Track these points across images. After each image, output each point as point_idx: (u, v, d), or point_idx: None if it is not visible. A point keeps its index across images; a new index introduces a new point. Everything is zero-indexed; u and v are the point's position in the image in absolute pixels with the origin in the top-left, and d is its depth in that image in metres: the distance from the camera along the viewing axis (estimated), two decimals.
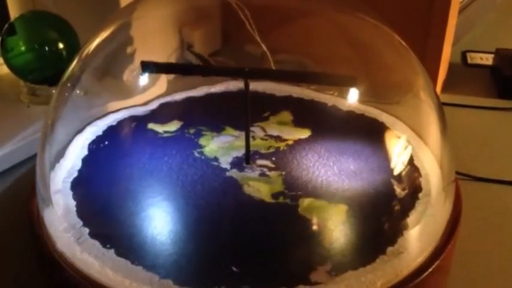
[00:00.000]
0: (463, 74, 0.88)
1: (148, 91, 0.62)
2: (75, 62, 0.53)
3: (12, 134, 0.65)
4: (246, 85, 0.47)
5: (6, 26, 0.70)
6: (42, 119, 0.66)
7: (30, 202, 0.47)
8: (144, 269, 0.40)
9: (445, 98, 0.81)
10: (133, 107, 0.60)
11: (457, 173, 0.61)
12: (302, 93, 0.63)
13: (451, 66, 0.86)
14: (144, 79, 0.55)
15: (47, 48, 0.71)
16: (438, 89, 0.81)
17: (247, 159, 0.50)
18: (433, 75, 0.79)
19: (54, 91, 0.70)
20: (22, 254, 0.51)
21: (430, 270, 0.41)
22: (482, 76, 0.87)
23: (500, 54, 0.87)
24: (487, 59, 0.91)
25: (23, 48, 0.70)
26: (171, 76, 0.64)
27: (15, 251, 0.52)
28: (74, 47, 0.72)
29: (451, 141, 0.64)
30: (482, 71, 0.88)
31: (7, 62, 0.70)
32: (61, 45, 0.71)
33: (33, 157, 0.63)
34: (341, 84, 0.44)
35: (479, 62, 0.91)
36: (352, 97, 0.43)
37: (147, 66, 0.51)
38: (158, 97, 0.63)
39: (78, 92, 0.55)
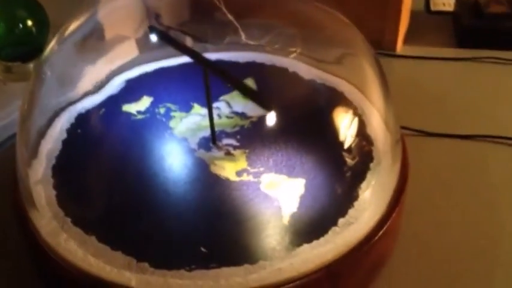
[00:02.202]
0: (426, 22, 0.91)
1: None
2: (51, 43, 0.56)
3: None
4: (205, 74, 0.50)
5: None
6: (20, 95, 0.70)
7: (14, 192, 0.51)
8: (123, 254, 0.45)
9: (406, 50, 0.84)
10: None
11: (410, 129, 0.66)
12: (265, 58, 0.67)
13: (414, 14, 0.89)
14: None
15: (17, 26, 0.73)
16: (400, 40, 0.84)
17: (213, 139, 0.54)
18: (395, 25, 0.82)
19: (30, 67, 0.74)
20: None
21: (376, 238, 0.46)
22: (444, 24, 0.90)
23: (460, 1, 0.89)
24: (450, 5, 0.93)
25: None
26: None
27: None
28: (43, 24, 0.74)
29: (409, 96, 0.68)
30: (445, 18, 0.91)
31: None
32: (30, 23, 0.73)
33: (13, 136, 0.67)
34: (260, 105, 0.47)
35: (441, 8, 0.93)
36: (270, 121, 0.46)
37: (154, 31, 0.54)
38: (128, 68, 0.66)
39: (51, 73, 0.58)
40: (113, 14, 0.65)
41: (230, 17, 0.65)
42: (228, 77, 0.47)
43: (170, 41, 0.53)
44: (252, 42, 0.68)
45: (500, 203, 0.58)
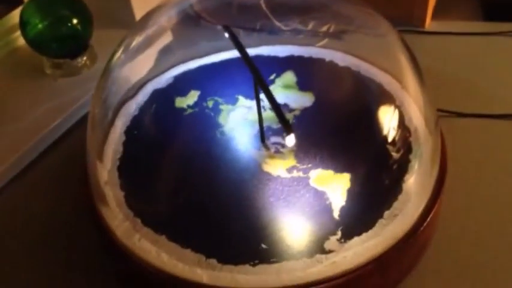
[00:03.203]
0: None
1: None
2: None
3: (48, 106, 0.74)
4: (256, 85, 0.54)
5: (22, 7, 0.75)
6: (71, 90, 0.74)
7: (84, 189, 0.56)
8: (193, 251, 0.50)
9: (435, 26, 0.86)
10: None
11: (442, 110, 0.69)
12: (302, 51, 0.70)
13: None
14: None
15: (63, 25, 0.76)
16: (429, 15, 0.86)
17: (262, 138, 0.58)
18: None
19: (78, 62, 0.78)
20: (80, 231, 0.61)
21: (421, 228, 0.51)
22: None
23: None
24: None
25: (40, 26, 0.76)
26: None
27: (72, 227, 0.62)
28: (87, 21, 0.77)
29: (439, 76, 0.70)
30: None
31: (27, 41, 0.77)
32: (75, 21, 0.76)
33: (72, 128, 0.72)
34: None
35: None
36: (289, 142, 0.52)
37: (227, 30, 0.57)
38: (171, 67, 0.70)
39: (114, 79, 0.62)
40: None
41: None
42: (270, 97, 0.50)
43: (236, 41, 0.56)
44: (286, 28, 0.72)
45: None
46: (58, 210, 0.63)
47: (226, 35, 0.56)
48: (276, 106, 0.50)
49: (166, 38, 0.69)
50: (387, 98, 0.61)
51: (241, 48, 0.54)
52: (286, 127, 0.50)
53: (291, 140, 0.52)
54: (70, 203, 0.63)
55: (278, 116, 0.50)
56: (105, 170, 0.58)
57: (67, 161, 0.69)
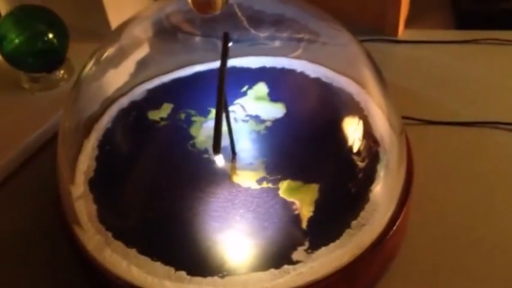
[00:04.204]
0: (425, 2, 0.93)
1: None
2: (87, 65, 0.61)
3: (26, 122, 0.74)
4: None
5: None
6: (48, 104, 0.75)
7: (57, 202, 0.57)
8: (162, 264, 0.51)
9: (407, 34, 0.87)
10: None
11: (412, 118, 0.70)
12: (274, 62, 0.71)
13: None
14: None
15: (39, 40, 0.77)
16: (401, 24, 0.88)
17: (232, 149, 0.59)
18: (396, 9, 0.85)
19: (55, 75, 0.79)
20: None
21: (387, 237, 0.52)
22: (443, 2, 0.93)
23: None
24: None
25: (16, 41, 0.76)
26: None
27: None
28: (63, 35, 0.78)
29: (410, 83, 0.71)
30: None
31: (3, 55, 0.77)
32: (51, 35, 0.77)
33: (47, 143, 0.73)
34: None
35: None
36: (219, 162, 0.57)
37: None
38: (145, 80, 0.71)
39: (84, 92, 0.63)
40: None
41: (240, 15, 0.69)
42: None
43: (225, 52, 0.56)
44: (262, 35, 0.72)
45: (504, 190, 0.62)
46: (31, 227, 0.64)
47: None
48: (217, 123, 0.50)
49: (141, 50, 0.69)
50: (355, 108, 0.62)
51: (224, 60, 0.55)
52: (214, 147, 0.50)
53: (220, 160, 0.54)
54: (43, 219, 0.64)
55: (215, 133, 0.50)
56: (78, 185, 0.58)
57: (43, 176, 0.70)
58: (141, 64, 0.69)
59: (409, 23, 0.89)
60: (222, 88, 0.52)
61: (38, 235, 0.63)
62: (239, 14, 0.67)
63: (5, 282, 0.59)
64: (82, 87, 0.61)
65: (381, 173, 0.56)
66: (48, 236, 0.62)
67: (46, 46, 0.77)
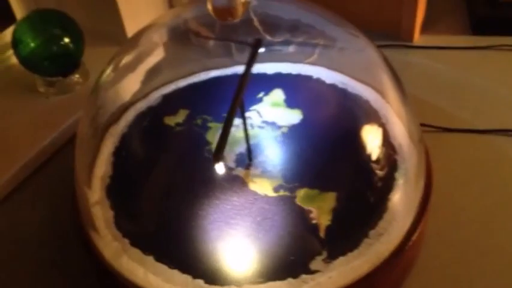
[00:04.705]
0: (441, 7, 0.93)
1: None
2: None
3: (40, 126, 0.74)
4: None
5: (15, 26, 0.76)
6: (63, 108, 0.75)
7: (73, 207, 0.57)
8: (180, 272, 0.50)
9: (423, 40, 0.87)
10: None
11: (428, 125, 0.70)
12: (290, 68, 0.71)
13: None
14: None
15: (55, 44, 0.77)
16: (417, 29, 0.87)
17: (249, 156, 0.59)
18: (412, 14, 0.84)
19: (70, 79, 0.79)
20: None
21: (406, 247, 0.51)
22: (459, 8, 0.92)
23: None
24: None
25: (32, 45, 0.77)
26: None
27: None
28: (78, 39, 0.78)
29: (426, 90, 0.69)
30: (459, 2, 0.93)
31: (20, 59, 0.77)
32: (67, 40, 0.77)
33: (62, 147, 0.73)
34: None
35: None
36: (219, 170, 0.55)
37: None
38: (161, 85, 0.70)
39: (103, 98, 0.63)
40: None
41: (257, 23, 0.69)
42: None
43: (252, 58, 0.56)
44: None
45: None
46: (46, 230, 0.64)
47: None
48: (224, 131, 0.50)
49: (157, 56, 0.69)
50: (373, 115, 0.62)
51: (249, 67, 0.54)
52: (216, 155, 0.50)
53: (220, 168, 0.54)
54: (58, 223, 0.64)
55: (220, 141, 0.49)
56: (94, 191, 0.58)
57: (59, 180, 0.70)
58: (157, 69, 0.69)
59: (425, 29, 0.88)
60: (238, 96, 0.52)
61: (52, 239, 0.63)
62: (255, 20, 0.67)
63: (21, 285, 0.59)
64: (100, 92, 0.61)
65: (400, 181, 0.55)
66: (63, 240, 0.62)
67: (61, 50, 0.77)
